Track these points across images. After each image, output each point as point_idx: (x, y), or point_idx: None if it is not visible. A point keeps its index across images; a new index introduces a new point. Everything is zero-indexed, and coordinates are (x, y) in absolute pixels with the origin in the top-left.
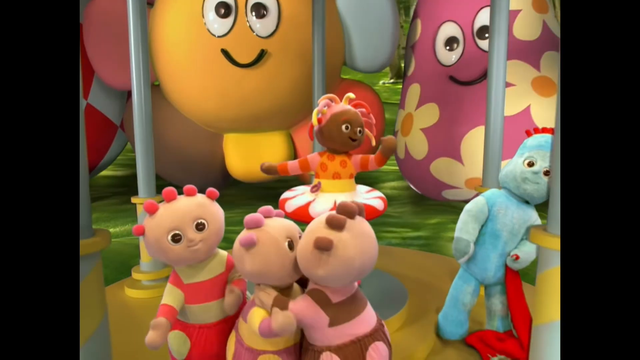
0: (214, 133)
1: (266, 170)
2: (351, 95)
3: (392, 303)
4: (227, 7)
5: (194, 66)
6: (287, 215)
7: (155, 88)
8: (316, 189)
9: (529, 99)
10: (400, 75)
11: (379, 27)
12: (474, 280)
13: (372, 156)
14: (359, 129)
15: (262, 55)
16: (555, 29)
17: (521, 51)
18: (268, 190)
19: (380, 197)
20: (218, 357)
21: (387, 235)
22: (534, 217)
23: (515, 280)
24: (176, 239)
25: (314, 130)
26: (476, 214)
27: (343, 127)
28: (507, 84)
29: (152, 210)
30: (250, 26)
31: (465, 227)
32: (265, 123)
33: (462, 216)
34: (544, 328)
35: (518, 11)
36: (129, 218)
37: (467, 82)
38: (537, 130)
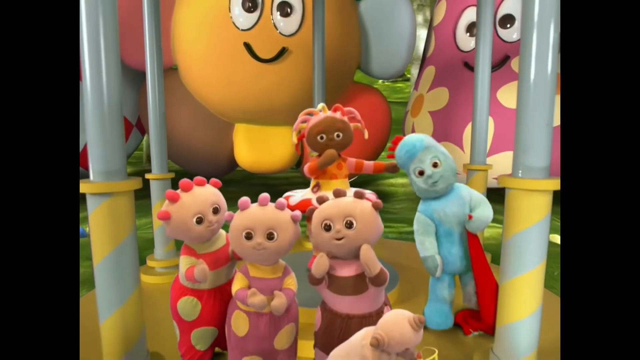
0: (225, 121)
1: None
2: (321, 104)
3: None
4: (253, 2)
5: (215, 56)
6: (290, 207)
7: (172, 72)
8: (317, 189)
9: None
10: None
11: (397, 37)
12: (446, 275)
13: (370, 163)
14: (336, 133)
15: (282, 52)
16: None
17: None
18: (268, 187)
19: (373, 193)
20: (222, 314)
21: (384, 230)
22: (465, 193)
23: (475, 240)
24: (199, 220)
25: (298, 146)
26: (425, 229)
27: (318, 137)
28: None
29: (175, 199)
30: (274, 23)
31: (423, 246)
32: (277, 117)
33: (416, 238)
34: (513, 239)
35: None
36: (138, 213)
37: None
38: (392, 147)
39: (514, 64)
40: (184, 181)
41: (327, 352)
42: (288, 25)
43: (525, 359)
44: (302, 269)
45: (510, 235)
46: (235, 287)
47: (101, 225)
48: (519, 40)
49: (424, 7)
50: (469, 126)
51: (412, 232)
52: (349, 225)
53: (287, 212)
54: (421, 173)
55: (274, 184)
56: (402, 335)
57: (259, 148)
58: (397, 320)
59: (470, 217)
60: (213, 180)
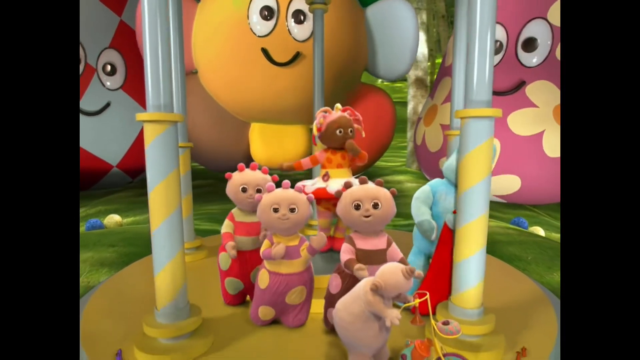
0: (241, 121)
1: (287, 169)
2: (338, 105)
3: None
4: (270, 10)
5: (234, 61)
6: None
7: (192, 76)
8: (327, 177)
9: (545, 125)
10: None
11: (401, 41)
12: (423, 255)
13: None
14: (350, 129)
15: (296, 56)
16: None
17: (557, 74)
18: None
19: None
20: (246, 273)
21: None
22: None
23: (447, 235)
24: (244, 189)
25: (316, 137)
26: (424, 199)
27: (337, 132)
28: (531, 104)
29: (229, 176)
30: (289, 30)
31: (419, 211)
32: (291, 117)
33: (414, 203)
34: (465, 126)
35: None
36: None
37: (496, 92)
38: None
39: (529, 91)
40: (241, 165)
41: None
42: (302, 31)
43: (473, 288)
44: None
45: (463, 123)
46: (262, 249)
47: (151, 125)
48: (538, 65)
49: (421, 10)
50: None
51: (405, 225)
52: (376, 206)
53: (303, 194)
54: None
55: (285, 176)
56: (397, 282)
57: (273, 145)
58: (392, 271)
59: (455, 212)
60: (264, 168)
